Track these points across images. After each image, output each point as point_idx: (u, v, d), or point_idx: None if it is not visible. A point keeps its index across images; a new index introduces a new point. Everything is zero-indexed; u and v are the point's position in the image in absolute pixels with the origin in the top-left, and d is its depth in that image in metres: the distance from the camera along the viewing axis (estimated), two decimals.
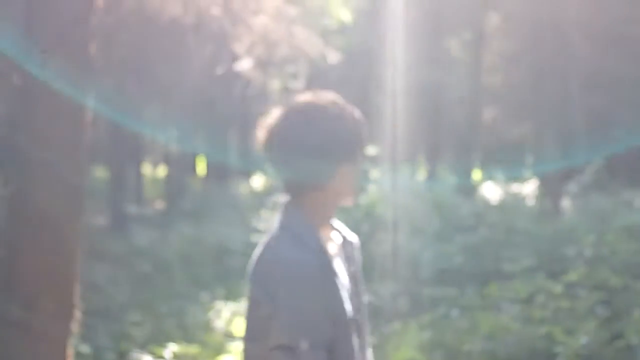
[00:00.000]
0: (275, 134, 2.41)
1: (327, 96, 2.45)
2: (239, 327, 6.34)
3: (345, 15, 13.80)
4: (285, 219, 2.40)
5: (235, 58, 6.26)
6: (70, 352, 4.62)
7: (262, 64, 7.18)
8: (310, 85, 33.47)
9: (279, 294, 2.25)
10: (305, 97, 2.47)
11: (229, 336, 8.10)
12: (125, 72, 11.70)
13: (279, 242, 2.35)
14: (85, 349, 7.07)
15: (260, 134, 2.48)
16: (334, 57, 7.67)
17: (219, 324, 8.64)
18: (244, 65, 6.26)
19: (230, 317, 8.71)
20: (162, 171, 37.42)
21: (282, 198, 2.46)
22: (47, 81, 4.20)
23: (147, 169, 33.71)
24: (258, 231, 13.27)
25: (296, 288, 2.25)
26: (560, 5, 21.96)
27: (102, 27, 5.26)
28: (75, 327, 4.65)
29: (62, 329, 4.64)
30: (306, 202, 2.40)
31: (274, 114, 2.47)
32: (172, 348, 7.13)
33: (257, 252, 2.41)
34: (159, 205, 24.04)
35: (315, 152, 2.33)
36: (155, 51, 12.37)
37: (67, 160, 4.29)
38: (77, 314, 4.63)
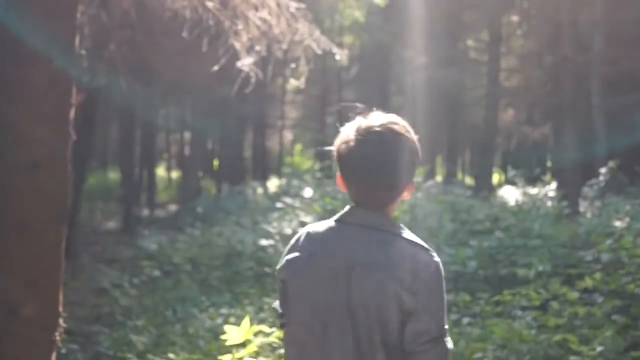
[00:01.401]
0: (370, 156, 2.58)
1: (389, 115, 2.71)
2: (239, 333, 6.09)
3: (358, 14, 13.52)
4: (393, 228, 2.61)
5: (235, 55, 6.01)
6: None
7: (268, 62, 6.92)
8: (327, 86, 33.38)
9: (427, 292, 2.54)
10: (377, 116, 2.67)
11: (232, 345, 7.85)
12: (133, 73, 11.50)
13: (410, 246, 2.58)
14: (80, 357, 6.86)
15: (348, 155, 2.61)
16: (342, 55, 7.40)
17: (223, 331, 8.40)
18: (246, 62, 6.00)
19: (234, 323, 8.47)
20: (176, 174, 37.36)
21: (361, 209, 2.62)
22: (29, 78, 3.98)
23: (161, 171, 33.70)
24: (269, 234, 13.05)
25: (442, 285, 2.60)
26: (579, 6, 21.64)
27: (97, 23, 5.00)
28: (59, 335, 4.43)
29: (46, 338, 4.42)
30: (389, 211, 2.66)
31: (354, 136, 2.62)
32: (171, 357, 6.89)
33: (377, 263, 2.54)
34: (172, 208, 23.90)
35: (408, 169, 2.62)
36: (162, 50, 12.21)
37: (50, 166, 4.05)
38: (61, 323, 4.41)
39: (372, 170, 2.58)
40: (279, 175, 33.62)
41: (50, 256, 4.07)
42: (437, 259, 2.60)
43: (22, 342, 4.37)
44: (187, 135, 31.26)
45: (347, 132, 2.66)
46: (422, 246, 2.60)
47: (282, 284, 2.67)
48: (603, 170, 15.10)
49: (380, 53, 31.88)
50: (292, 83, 25.87)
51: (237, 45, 5.48)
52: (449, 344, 2.56)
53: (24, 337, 4.36)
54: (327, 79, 32.75)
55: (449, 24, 28.72)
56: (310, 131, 38.97)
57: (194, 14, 5.43)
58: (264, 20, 5.60)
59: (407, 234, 2.62)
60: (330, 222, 2.67)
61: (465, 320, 7.73)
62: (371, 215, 2.61)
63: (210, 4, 5.21)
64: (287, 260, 2.66)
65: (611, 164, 14.92)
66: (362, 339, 2.52)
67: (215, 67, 5.90)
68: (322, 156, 33.70)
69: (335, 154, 2.68)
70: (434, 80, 27.23)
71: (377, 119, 2.67)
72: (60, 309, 4.38)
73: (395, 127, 2.65)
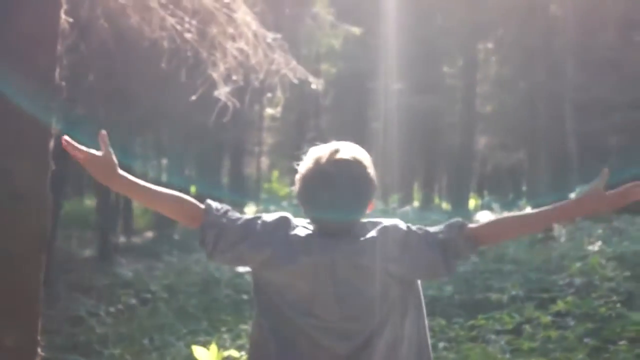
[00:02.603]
0: (349, 177, 2.74)
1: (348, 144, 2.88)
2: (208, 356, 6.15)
3: (335, 43, 13.72)
4: (376, 224, 2.78)
5: (214, 84, 6.12)
6: None
7: (245, 91, 7.02)
8: (304, 112, 33.54)
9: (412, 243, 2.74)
10: (341, 145, 2.84)
11: None
12: (110, 101, 11.58)
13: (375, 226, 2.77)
14: None
15: (323, 180, 2.74)
16: (318, 83, 7.52)
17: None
18: (222, 91, 6.11)
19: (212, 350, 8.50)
20: None
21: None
22: (10, 111, 4.04)
23: None
24: None
25: (411, 230, 2.80)
26: (552, 33, 21.96)
27: (76, 53, 5.07)
28: None
29: None
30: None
31: (322, 164, 2.76)
32: None
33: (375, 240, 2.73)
34: (149, 235, 23.86)
35: (375, 186, 2.80)
36: (140, 78, 12.28)
37: (31, 197, 4.11)
38: (40, 352, 4.45)
39: (332, 200, 2.71)
40: (257, 201, 33.65)
41: (29, 286, 4.13)
42: (394, 221, 2.80)
43: None
44: (164, 161, 31.29)
45: (310, 160, 2.80)
46: (381, 220, 2.79)
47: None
48: (572, 195, 15.28)
49: (357, 80, 32.08)
50: (269, 110, 26.01)
51: (215, 75, 5.58)
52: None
53: None
54: (304, 106, 32.90)
55: (425, 50, 28.98)
56: (288, 157, 39.06)
57: (172, 44, 5.53)
58: (241, 51, 5.70)
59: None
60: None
61: (441, 345, 7.81)
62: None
63: (188, 35, 5.31)
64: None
65: (578, 189, 15.12)
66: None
67: (193, 97, 5.99)
68: None
69: (298, 177, 2.80)
70: (410, 106, 27.45)
71: (338, 148, 2.80)
72: (39, 337, 4.42)
73: (358, 157, 2.79)
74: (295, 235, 2.74)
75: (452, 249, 2.73)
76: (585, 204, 2.72)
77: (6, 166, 4.09)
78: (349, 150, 2.80)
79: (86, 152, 2.75)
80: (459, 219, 2.80)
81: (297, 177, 2.82)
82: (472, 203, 32.78)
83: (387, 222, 2.77)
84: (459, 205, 26.60)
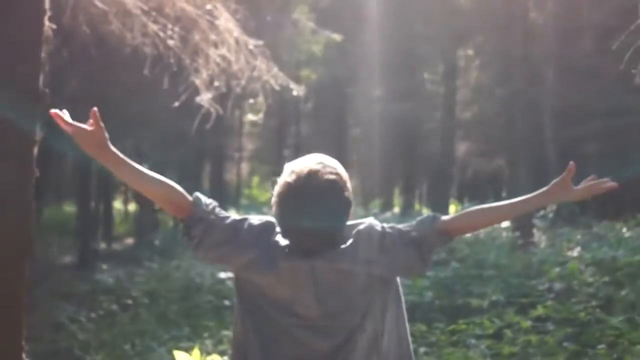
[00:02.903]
0: (334, 189, 2.78)
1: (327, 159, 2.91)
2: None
3: (315, 49, 13.78)
4: (353, 226, 2.84)
5: (196, 90, 6.15)
6: None
7: (227, 97, 7.05)
8: (284, 118, 33.57)
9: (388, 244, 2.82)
10: (317, 157, 2.87)
11: None
12: (91, 106, 11.54)
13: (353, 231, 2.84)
14: None
15: (313, 192, 2.75)
16: (299, 90, 7.56)
17: None
18: (204, 97, 6.13)
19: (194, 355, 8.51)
20: (132, 207, 37.17)
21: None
22: None
23: (117, 204, 33.48)
24: (227, 267, 13.10)
25: (384, 229, 2.88)
26: (531, 40, 22.09)
27: (58, 60, 5.08)
28: None
29: None
30: None
31: (309, 178, 2.77)
32: None
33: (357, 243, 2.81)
34: (129, 241, 23.80)
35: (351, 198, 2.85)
36: (121, 84, 12.28)
37: (15, 203, 4.12)
38: (24, 357, 4.45)
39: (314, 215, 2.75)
40: (237, 207, 33.62)
41: (14, 292, 4.13)
42: (369, 220, 2.88)
43: None
44: (144, 166, 31.18)
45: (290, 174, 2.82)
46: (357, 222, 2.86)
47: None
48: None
49: (337, 86, 32.15)
50: (250, 115, 26.01)
51: (198, 81, 5.61)
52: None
53: None
54: (284, 112, 32.95)
55: (405, 57, 29.07)
56: (268, 163, 39.07)
57: (155, 51, 5.55)
58: (224, 57, 5.73)
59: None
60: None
61: (422, 349, 7.85)
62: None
63: (171, 42, 5.34)
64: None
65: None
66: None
67: (176, 103, 6.01)
68: None
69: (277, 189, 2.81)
70: (390, 112, 27.54)
71: (313, 162, 2.83)
72: (23, 343, 4.43)
73: (333, 169, 2.83)
74: (278, 241, 2.78)
75: (426, 245, 2.83)
76: (552, 194, 2.86)
77: None
78: (323, 163, 2.84)
79: (76, 125, 2.74)
80: (431, 214, 2.89)
81: (274, 192, 2.83)
82: (452, 209, 32.88)
83: (362, 224, 2.83)
84: (439, 211, 26.61)
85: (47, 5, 4.00)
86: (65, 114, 2.76)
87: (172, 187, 2.86)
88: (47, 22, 4.04)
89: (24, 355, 4.49)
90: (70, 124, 2.75)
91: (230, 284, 12.32)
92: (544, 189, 2.86)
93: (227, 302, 11.59)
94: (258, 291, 2.78)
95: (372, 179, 34.14)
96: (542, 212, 16.13)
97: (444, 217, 2.88)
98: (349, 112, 34.73)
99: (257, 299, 2.78)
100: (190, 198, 2.86)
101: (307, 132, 37.48)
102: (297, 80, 12.22)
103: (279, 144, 35.47)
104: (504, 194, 36.40)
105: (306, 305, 2.73)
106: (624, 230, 12.54)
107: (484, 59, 28.84)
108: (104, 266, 16.03)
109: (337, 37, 18.43)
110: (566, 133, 22.87)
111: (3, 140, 4.05)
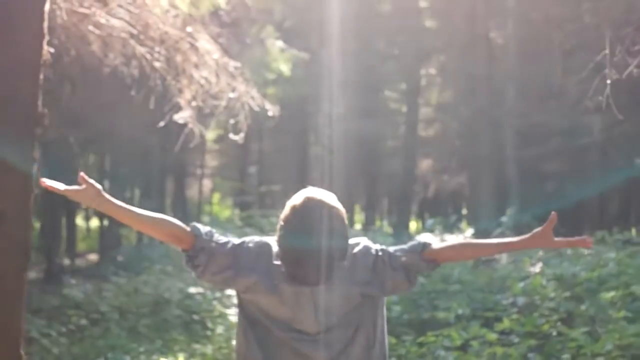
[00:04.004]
0: (333, 216, 3.08)
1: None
2: None
3: (284, 68, 14.02)
4: (352, 247, 3.15)
5: (177, 109, 6.37)
6: None
7: (202, 116, 7.27)
8: (247, 135, 33.74)
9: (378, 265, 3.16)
10: (316, 190, 3.20)
11: None
12: (61, 122, 11.68)
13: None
14: None
15: (313, 220, 3.05)
16: (273, 109, 7.80)
17: None
18: (184, 116, 6.35)
19: None
20: (95, 223, 37.05)
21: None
22: None
23: (79, 220, 33.40)
24: (197, 282, 13.27)
25: (377, 249, 3.22)
26: (494, 60, 22.53)
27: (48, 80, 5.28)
28: None
29: None
30: None
31: (309, 208, 3.09)
32: None
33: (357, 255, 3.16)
34: (92, 257, 23.81)
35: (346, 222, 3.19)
36: (88, 100, 12.41)
37: (15, 215, 4.29)
38: None
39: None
40: (199, 223, 33.62)
41: (13, 303, 4.30)
42: (363, 241, 3.21)
43: None
44: (106, 183, 31.20)
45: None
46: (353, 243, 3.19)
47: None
48: (504, 218, 15.75)
49: (300, 103, 32.39)
50: (212, 132, 26.13)
51: (181, 101, 5.83)
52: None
53: None
54: (247, 129, 33.04)
55: (368, 75, 29.42)
56: (230, 180, 39.15)
57: (141, 71, 5.75)
58: (205, 79, 5.95)
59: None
60: None
61: None
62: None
63: (157, 64, 5.55)
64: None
65: (509, 210, 15.60)
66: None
67: (162, 123, 6.22)
68: (244, 206, 33.69)
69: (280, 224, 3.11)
70: (352, 130, 27.81)
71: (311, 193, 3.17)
72: (22, 352, 4.57)
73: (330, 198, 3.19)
74: (277, 264, 3.06)
75: (414, 270, 3.16)
76: (534, 241, 3.17)
77: None
78: (324, 194, 3.17)
79: (70, 189, 3.07)
80: (421, 241, 3.21)
81: (279, 225, 3.11)
82: (413, 226, 33.25)
83: (358, 246, 3.16)
84: (401, 227, 26.95)
85: (45, 30, 4.20)
86: (58, 184, 3.08)
87: (169, 222, 3.14)
88: (45, 46, 4.24)
89: None
90: (66, 189, 3.07)
91: (199, 298, 12.49)
92: (527, 235, 3.16)
93: (196, 317, 11.77)
94: (258, 309, 3.06)
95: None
96: (501, 230, 16.46)
97: (434, 246, 3.17)
98: (312, 129, 34.98)
99: (258, 314, 3.06)
100: (188, 229, 3.13)
101: (270, 149, 37.64)
102: (264, 98, 12.42)
103: (241, 161, 35.59)
104: (464, 211, 36.87)
105: (305, 323, 3.02)
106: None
107: (446, 78, 29.28)
108: (73, 281, 16.09)
109: (305, 55, 18.71)
110: (527, 151, 23.31)
111: (5, 156, 4.23)
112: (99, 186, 3.04)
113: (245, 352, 3.07)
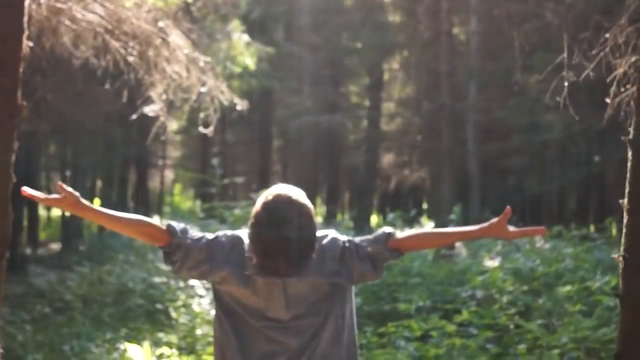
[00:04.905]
0: (302, 213, 3.26)
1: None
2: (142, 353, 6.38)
3: (249, 62, 14.15)
4: (320, 239, 3.33)
5: (148, 102, 6.51)
6: None
7: (169, 108, 7.40)
8: (208, 125, 33.68)
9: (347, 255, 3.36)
10: (286, 187, 3.37)
11: None
12: (31, 113, 11.72)
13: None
14: None
15: (283, 215, 3.23)
16: (242, 104, 7.97)
17: None
18: (155, 109, 6.49)
19: (145, 349, 8.78)
20: (57, 212, 36.84)
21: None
22: None
23: (41, 210, 33.25)
24: (160, 271, 13.39)
25: (343, 241, 3.40)
26: (456, 56, 22.78)
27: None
28: None
29: None
30: None
31: (278, 204, 3.27)
32: None
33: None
34: (54, 247, 23.76)
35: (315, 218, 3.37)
36: (61, 93, 12.47)
37: None
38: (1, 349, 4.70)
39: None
40: (160, 214, 33.66)
41: None
42: (331, 233, 3.38)
43: None
44: (68, 173, 31.05)
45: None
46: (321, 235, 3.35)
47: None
48: (452, 216, 16.03)
49: (263, 95, 32.49)
50: (175, 123, 26.14)
51: (153, 94, 5.96)
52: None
53: None
54: (209, 120, 33.04)
55: (331, 69, 29.60)
56: (193, 171, 39.12)
57: (115, 65, 5.87)
58: (177, 73, 6.09)
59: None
60: None
61: None
62: None
63: (131, 58, 5.68)
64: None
65: (456, 208, 15.91)
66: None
67: (134, 116, 6.34)
68: (206, 197, 33.79)
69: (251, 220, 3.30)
70: (315, 123, 27.97)
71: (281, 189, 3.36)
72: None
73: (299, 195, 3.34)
74: (250, 257, 3.26)
75: (380, 260, 3.35)
76: (490, 230, 3.36)
77: None
78: (292, 190, 3.35)
79: (50, 198, 3.28)
80: (386, 231, 3.39)
81: (250, 221, 3.30)
82: (374, 219, 33.50)
83: (326, 238, 3.35)
84: (362, 221, 27.17)
85: (25, 24, 4.33)
86: (37, 192, 3.29)
87: (145, 222, 3.35)
88: (25, 40, 4.36)
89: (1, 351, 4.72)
90: (45, 198, 3.29)
91: (163, 287, 12.61)
92: (485, 224, 3.36)
93: (159, 306, 11.89)
94: (234, 299, 3.27)
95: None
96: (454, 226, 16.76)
97: (398, 235, 3.37)
98: (274, 121, 35.11)
99: (233, 305, 3.27)
100: (163, 227, 3.34)
101: (232, 141, 37.66)
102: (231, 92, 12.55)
103: (203, 152, 35.60)
104: (424, 206, 37.21)
105: (277, 311, 3.24)
106: (542, 242, 13.14)
107: (409, 73, 29.54)
108: (38, 270, 16.12)
109: (270, 49, 18.84)
110: (488, 147, 23.63)
111: None
112: (77, 194, 3.21)
113: (221, 340, 3.28)
